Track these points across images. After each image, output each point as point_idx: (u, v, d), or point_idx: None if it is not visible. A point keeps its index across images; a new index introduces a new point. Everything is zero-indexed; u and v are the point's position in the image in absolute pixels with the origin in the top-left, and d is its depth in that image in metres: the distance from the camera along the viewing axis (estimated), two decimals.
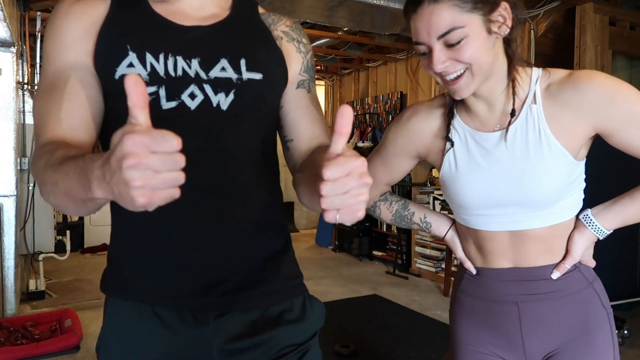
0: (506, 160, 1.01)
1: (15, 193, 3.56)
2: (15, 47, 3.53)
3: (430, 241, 4.94)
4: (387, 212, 1.25)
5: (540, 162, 0.98)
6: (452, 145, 1.06)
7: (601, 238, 1.06)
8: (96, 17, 0.85)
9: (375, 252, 5.81)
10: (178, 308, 0.87)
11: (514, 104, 1.00)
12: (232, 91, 0.87)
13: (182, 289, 0.87)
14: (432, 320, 3.70)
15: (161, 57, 0.83)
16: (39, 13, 3.86)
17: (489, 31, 0.94)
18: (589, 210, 1.07)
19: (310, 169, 0.80)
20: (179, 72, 0.84)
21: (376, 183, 1.21)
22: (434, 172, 4.97)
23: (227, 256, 0.88)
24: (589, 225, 1.05)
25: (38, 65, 4.12)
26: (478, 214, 1.07)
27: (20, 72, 3.93)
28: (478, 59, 0.94)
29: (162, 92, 0.83)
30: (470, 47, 0.93)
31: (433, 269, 4.88)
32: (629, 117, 0.94)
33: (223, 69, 0.87)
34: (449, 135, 1.07)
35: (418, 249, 5.08)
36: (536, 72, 1.02)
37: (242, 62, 0.88)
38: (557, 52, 4.09)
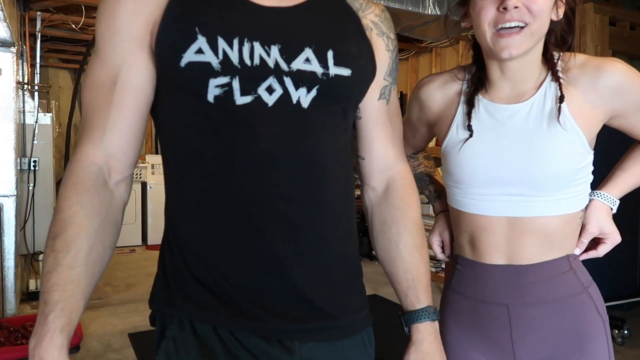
0: (518, 134, 1.00)
1: (15, 193, 3.55)
2: (15, 47, 3.52)
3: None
4: (412, 169, 1.31)
5: (553, 140, 0.98)
6: (471, 135, 1.04)
7: (614, 209, 1.07)
8: None
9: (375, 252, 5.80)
10: (258, 333, 0.76)
11: (561, 90, 0.99)
12: (316, 87, 0.76)
13: (261, 309, 0.76)
14: None
15: (235, 42, 0.72)
16: (39, 13, 3.86)
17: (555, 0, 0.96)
18: (596, 190, 1.08)
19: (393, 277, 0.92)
20: (256, 61, 0.73)
21: (406, 141, 1.24)
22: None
23: (312, 274, 0.78)
24: (596, 196, 1.06)
25: (38, 66, 4.12)
26: (478, 193, 1.04)
27: (20, 72, 3.93)
28: (543, 17, 0.94)
29: (236, 85, 0.72)
30: (544, 0, 0.93)
31: (433, 269, 4.88)
32: None
33: (307, 60, 0.75)
34: (470, 124, 1.04)
35: None
36: (556, 53, 1.03)
37: (330, 54, 0.77)
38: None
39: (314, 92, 0.76)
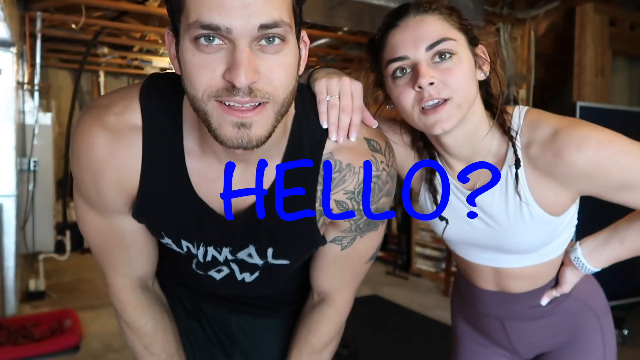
0: (485, 216, 0.97)
1: (15, 193, 3.55)
2: (16, 47, 3.52)
3: (431, 241, 4.94)
4: None
5: (520, 226, 0.94)
6: (447, 223, 1.00)
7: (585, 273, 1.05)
8: (130, 178, 0.81)
9: None
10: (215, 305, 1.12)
11: (515, 154, 0.90)
12: (257, 271, 0.93)
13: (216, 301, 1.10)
14: (432, 320, 3.69)
15: (195, 244, 0.89)
16: (39, 13, 3.85)
17: (475, 62, 0.89)
18: (579, 249, 1.03)
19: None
20: (209, 258, 0.91)
21: None
22: None
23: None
24: (580, 267, 1.03)
25: (38, 66, 4.12)
26: (460, 247, 1.07)
27: (21, 72, 3.92)
28: (464, 88, 0.85)
29: (194, 262, 0.93)
30: (461, 70, 0.84)
31: (433, 269, 4.88)
32: (619, 183, 0.87)
33: (250, 255, 0.89)
34: (443, 216, 1.00)
35: (418, 249, 5.08)
36: (517, 117, 0.92)
37: (270, 251, 0.89)
38: (557, 52, 4.09)
39: (256, 274, 0.94)
